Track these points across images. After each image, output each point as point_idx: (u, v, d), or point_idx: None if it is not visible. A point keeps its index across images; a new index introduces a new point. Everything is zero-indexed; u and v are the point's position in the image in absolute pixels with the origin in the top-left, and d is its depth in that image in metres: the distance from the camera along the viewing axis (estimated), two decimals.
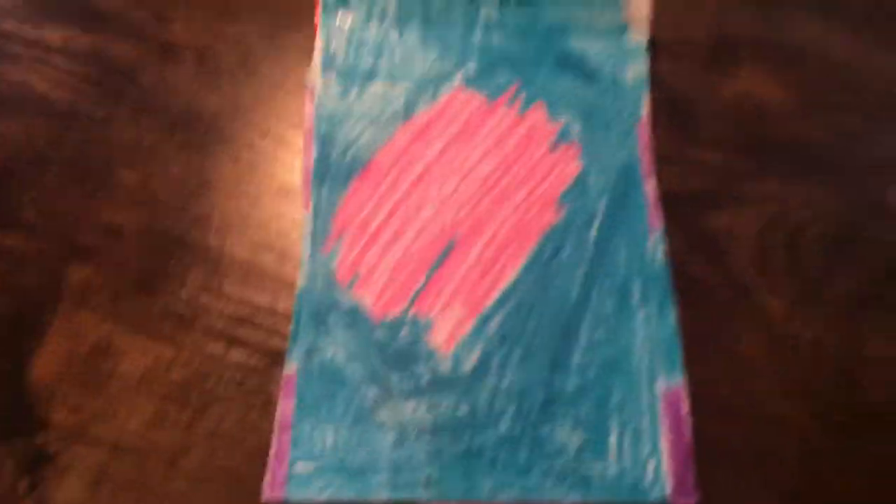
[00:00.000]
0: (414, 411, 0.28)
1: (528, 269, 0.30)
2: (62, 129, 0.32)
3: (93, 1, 0.34)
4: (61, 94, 0.33)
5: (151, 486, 0.27)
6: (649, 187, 0.31)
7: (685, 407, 0.28)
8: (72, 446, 0.28)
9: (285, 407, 0.28)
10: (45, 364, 0.29)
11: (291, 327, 0.29)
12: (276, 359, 0.29)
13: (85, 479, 0.27)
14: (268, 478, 0.27)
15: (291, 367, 0.29)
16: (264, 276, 0.30)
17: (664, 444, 0.27)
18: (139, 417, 0.28)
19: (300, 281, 0.30)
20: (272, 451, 0.27)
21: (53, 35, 0.34)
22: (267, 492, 0.27)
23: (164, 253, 0.31)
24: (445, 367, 0.29)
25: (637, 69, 0.33)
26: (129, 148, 0.32)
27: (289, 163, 0.32)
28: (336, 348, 0.29)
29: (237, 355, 0.29)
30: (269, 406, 0.28)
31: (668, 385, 0.28)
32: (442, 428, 0.27)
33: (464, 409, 0.28)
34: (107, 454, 0.28)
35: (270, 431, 0.28)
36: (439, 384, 0.28)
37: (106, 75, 0.33)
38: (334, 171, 0.32)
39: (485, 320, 0.29)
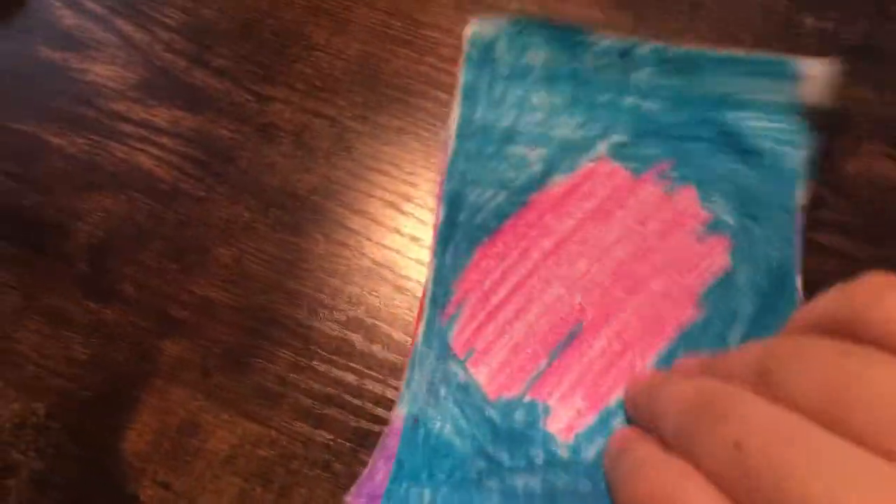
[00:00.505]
0: (525, 485, 0.25)
1: (657, 368, 0.27)
2: (163, 207, 0.33)
3: (199, 83, 0.36)
4: (165, 172, 0.34)
5: None
6: (799, 284, 0.28)
7: None
8: None
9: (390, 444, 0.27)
10: (136, 440, 0.29)
11: (403, 385, 0.28)
12: (362, 441, 0.29)
13: None
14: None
15: (397, 422, 0.27)
16: (353, 355, 0.30)
17: None
18: (225, 497, 0.28)
19: (418, 340, 0.28)
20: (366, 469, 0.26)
21: (161, 115, 0.35)
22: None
23: (255, 330, 0.31)
24: (564, 452, 0.26)
25: (802, 153, 0.29)
26: (225, 226, 0.33)
27: (380, 241, 0.32)
28: (445, 422, 0.27)
29: (324, 436, 0.29)
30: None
31: None
32: (557, 495, 0.25)
33: (584, 486, 0.25)
34: None
35: None
36: (556, 465, 0.26)
37: (207, 155, 0.34)
38: (460, 236, 0.30)
39: (608, 415, 0.27)
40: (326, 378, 0.30)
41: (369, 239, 0.32)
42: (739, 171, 0.30)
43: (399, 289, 0.31)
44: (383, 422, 0.29)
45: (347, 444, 0.29)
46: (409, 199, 0.33)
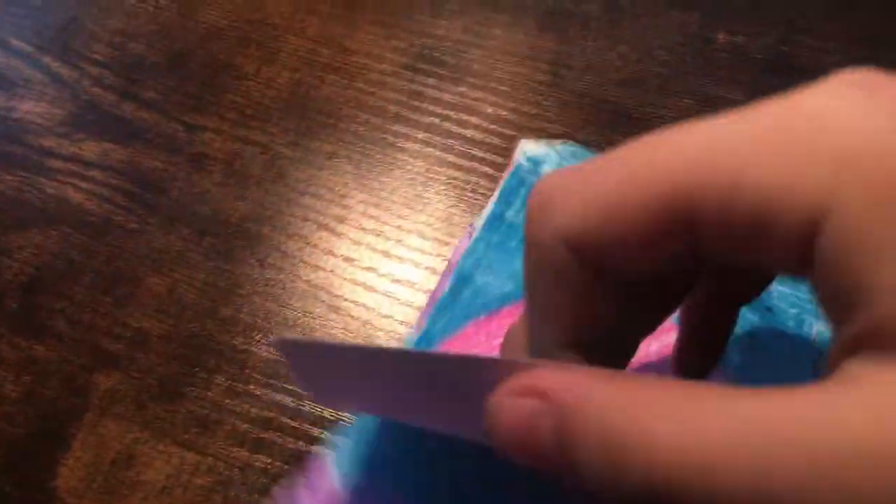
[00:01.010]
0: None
1: None
2: (95, 240, 0.33)
3: (128, 116, 0.36)
4: (95, 206, 0.34)
5: None
6: None
7: None
8: None
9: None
10: (69, 476, 0.28)
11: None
12: (301, 464, 0.28)
13: None
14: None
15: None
16: (289, 377, 0.30)
17: None
18: None
19: None
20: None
21: (90, 149, 0.35)
22: None
23: (189, 358, 0.31)
24: None
25: None
26: (157, 257, 0.33)
27: (315, 263, 0.32)
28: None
29: (262, 460, 0.29)
30: None
31: None
32: None
33: None
34: None
35: None
36: None
37: (138, 187, 0.34)
38: (458, 309, 0.30)
39: None
40: (263, 402, 0.30)
41: (303, 262, 0.33)
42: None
43: (334, 309, 0.31)
44: (323, 442, 0.29)
45: (286, 467, 0.29)
46: (342, 220, 0.33)
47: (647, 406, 0.14)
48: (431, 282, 0.32)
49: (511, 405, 0.16)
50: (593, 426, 0.14)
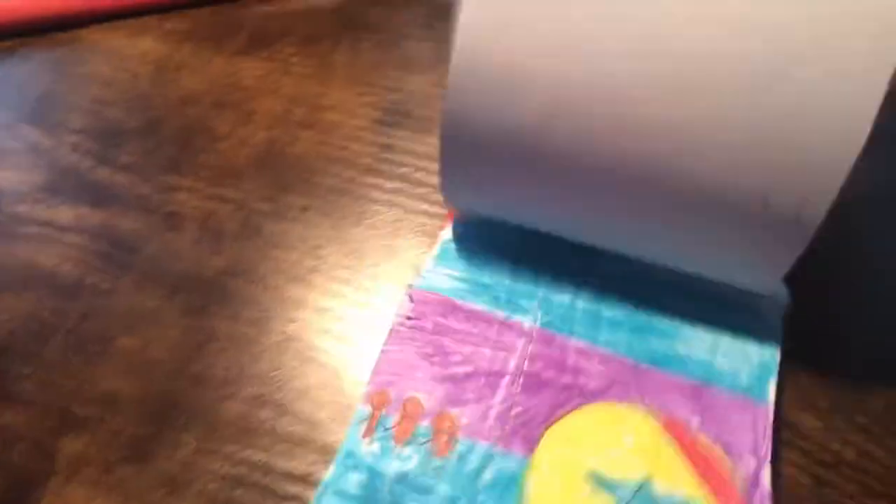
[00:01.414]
0: None
1: None
2: (67, 303, 0.33)
3: (104, 181, 0.36)
4: (69, 269, 0.34)
5: None
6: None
7: None
8: None
9: None
10: None
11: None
12: None
13: None
14: None
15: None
16: (260, 432, 0.29)
17: None
18: None
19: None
20: None
21: (65, 214, 0.35)
22: None
23: (159, 418, 0.30)
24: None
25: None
26: (129, 316, 0.32)
27: (288, 315, 0.32)
28: None
29: None
30: None
31: None
32: None
33: None
34: None
35: None
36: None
37: (112, 248, 0.34)
38: None
39: None
40: (234, 459, 0.29)
41: (276, 314, 0.32)
42: None
43: (307, 360, 0.31)
44: (294, 498, 0.28)
45: None
46: (315, 271, 0.33)
47: None
48: None
49: None
50: None
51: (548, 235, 0.31)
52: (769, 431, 0.27)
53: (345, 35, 0.41)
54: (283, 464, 0.28)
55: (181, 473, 0.28)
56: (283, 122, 0.38)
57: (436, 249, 0.31)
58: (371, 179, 0.36)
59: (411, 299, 0.29)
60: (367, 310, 0.32)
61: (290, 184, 0.36)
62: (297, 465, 0.28)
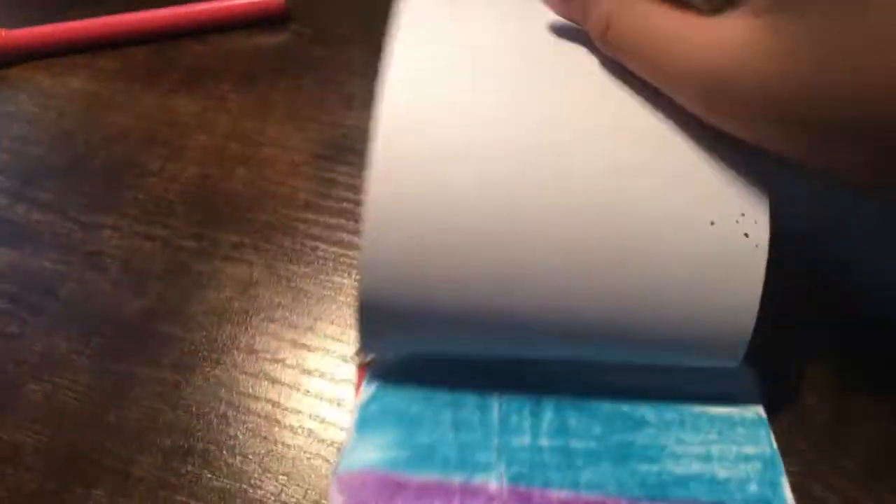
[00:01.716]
0: None
1: None
2: None
3: (20, 219, 0.34)
4: None
5: None
6: None
7: None
8: None
9: None
10: None
11: None
12: None
13: None
14: None
15: None
16: (179, 486, 0.26)
17: None
18: None
19: None
20: None
21: None
22: None
23: (65, 472, 0.27)
24: None
25: None
26: (38, 361, 0.30)
27: (215, 358, 0.29)
28: None
29: None
30: None
31: None
32: None
33: None
34: None
35: None
36: None
37: (22, 289, 0.32)
38: None
39: None
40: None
41: (202, 357, 0.29)
42: None
43: (231, 405, 0.28)
44: None
45: None
46: (246, 311, 0.31)
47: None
48: (344, 370, 0.29)
49: None
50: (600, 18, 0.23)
51: (482, 364, 0.27)
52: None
53: (285, 73, 0.40)
54: None
55: None
56: (217, 158, 0.36)
57: (354, 417, 0.26)
58: (310, 215, 0.34)
59: (341, 489, 0.24)
60: (302, 350, 0.30)
61: (222, 220, 0.34)
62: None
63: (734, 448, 0.26)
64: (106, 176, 0.36)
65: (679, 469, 0.25)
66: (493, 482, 0.24)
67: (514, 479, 0.24)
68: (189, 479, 0.26)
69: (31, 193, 0.35)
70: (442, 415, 0.26)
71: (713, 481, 0.25)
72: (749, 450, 0.26)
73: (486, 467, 0.24)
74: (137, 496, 0.26)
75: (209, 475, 0.27)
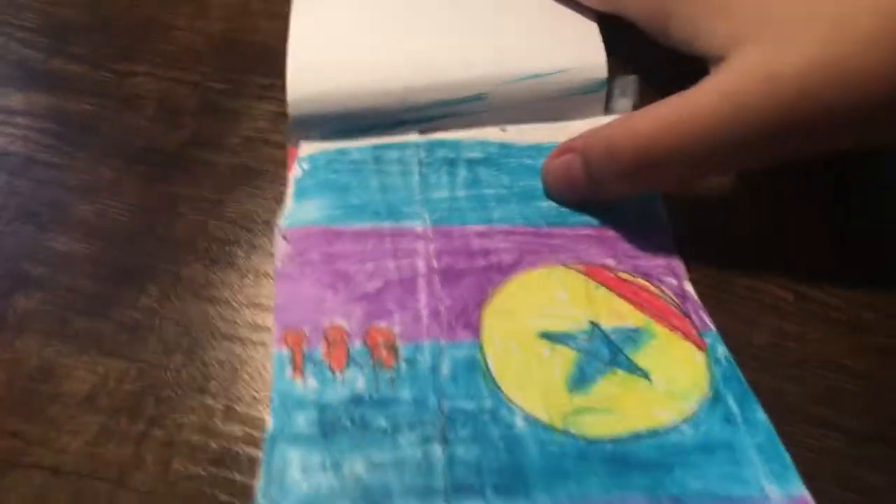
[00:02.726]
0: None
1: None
2: (17, 177, 0.31)
3: (57, 70, 0.35)
4: (19, 147, 0.32)
5: None
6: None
7: None
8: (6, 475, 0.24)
9: None
10: None
11: None
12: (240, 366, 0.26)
13: None
14: None
15: None
16: (224, 284, 0.28)
17: None
18: (84, 435, 0.24)
19: None
20: None
21: (16, 100, 0.34)
22: None
23: (119, 277, 0.28)
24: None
25: None
26: (86, 186, 0.31)
27: (251, 182, 0.31)
28: None
29: (199, 358, 0.26)
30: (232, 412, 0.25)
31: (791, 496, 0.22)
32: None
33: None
34: (46, 478, 0.23)
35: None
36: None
37: (65, 127, 0.33)
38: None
39: None
40: (197, 307, 0.27)
41: (240, 180, 0.31)
42: None
43: (271, 214, 0.30)
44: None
45: (219, 368, 0.26)
46: (279, 143, 0.32)
47: (633, 115, 0.27)
48: None
49: (555, 162, 0.30)
50: (600, 140, 0.27)
51: (399, 143, 0.31)
52: (675, 248, 0.28)
53: None
54: (246, 295, 0.27)
55: (142, 321, 0.27)
56: (242, 14, 0.37)
57: (290, 189, 0.30)
58: None
59: (287, 239, 0.28)
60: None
61: (250, 66, 0.35)
62: (265, 300, 0.27)
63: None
64: (135, 32, 0.37)
65: None
66: (419, 225, 0.28)
67: (437, 221, 0.29)
68: (236, 271, 0.28)
69: (65, 49, 0.36)
70: (369, 181, 0.30)
71: (603, 211, 0.29)
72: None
73: (411, 216, 0.29)
74: (185, 290, 0.28)
75: (253, 264, 0.28)
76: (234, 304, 0.28)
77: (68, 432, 0.24)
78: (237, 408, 0.25)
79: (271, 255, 0.29)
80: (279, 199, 0.30)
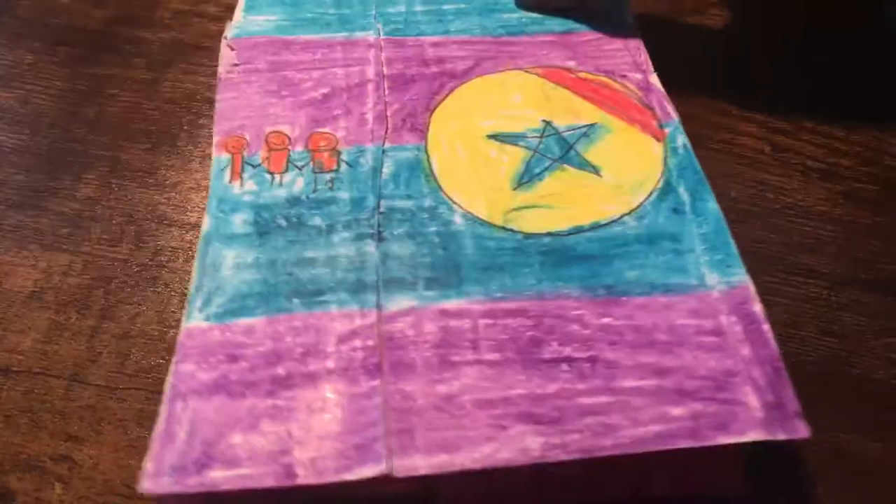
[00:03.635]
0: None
1: None
2: None
3: None
4: None
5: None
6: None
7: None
8: None
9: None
10: None
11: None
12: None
13: None
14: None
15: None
16: (170, 168, 0.26)
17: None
18: (31, 335, 0.23)
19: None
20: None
21: None
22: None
23: (52, 165, 0.26)
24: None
25: None
26: (6, 72, 0.28)
27: (190, 60, 0.29)
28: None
29: (145, 251, 0.25)
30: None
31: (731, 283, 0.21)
32: None
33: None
34: None
35: None
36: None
37: None
38: None
39: None
40: (138, 196, 0.26)
41: (178, 55, 0.29)
42: None
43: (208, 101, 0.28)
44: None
45: (165, 255, 0.25)
46: (208, 14, 0.30)
47: None
48: None
49: None
50: None
51: None
52: (642, 46, 0.27)
53: None
54: (198, 184, 0.26)
55: (83, 211, 0.25)
56: None
57: (241, 3, 0.28)
58: None
59: (232, 48, 0.26)
60: None
61: None
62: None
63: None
64: None
65: (538, 14, 0.29)
66: (372, 36, 0.27)
67: (391, 33, 0.28)
68: (176, 162, 0.26)
69: None
70: None
71: (567, 19, 0.28)
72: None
73: (364, 27, 0.28)
74: (124, 173, 0.26)
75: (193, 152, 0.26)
76: (180, 188, 0.26)
77: (16, 331, 0.23)
78: None
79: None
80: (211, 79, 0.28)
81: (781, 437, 0.17)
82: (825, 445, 0.21)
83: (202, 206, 0.26)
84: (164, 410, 0.18)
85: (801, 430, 0.17)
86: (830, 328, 0.23)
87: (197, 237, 0.25)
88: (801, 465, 0.21)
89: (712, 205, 0.22)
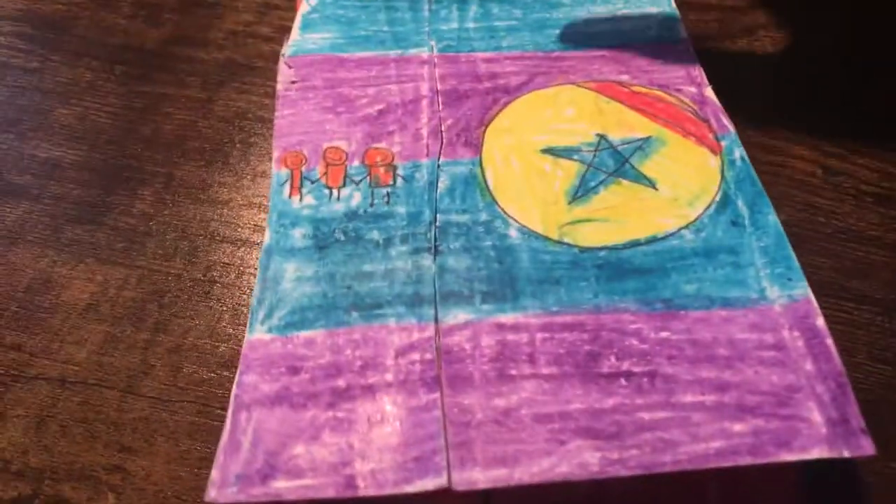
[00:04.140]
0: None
1: None
2: None
3: None
4: None
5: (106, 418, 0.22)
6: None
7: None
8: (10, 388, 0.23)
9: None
10: None
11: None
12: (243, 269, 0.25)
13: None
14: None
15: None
16: (222, 185, 0.27)
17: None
18: (87, 346, 0.23)
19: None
20: None
21: None
22: None
23: (109, 180, 0.27)
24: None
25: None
26: (64, 90, 0.29)
27: (240, 81, 0.29)
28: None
29: (197, 267, 0.25)
30: (239, 314, 0.24)
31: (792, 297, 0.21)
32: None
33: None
34: (53, 389, 0.23)
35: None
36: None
37: (38, 30, 0.31)
38: None
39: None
40: (192, 212, 0.26)
41: (231, 77, 0.29)
42: None
43: (262, 120, 0.28)
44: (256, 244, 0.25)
45: (221, 272, 0.25)
46: (265, 35, 0.30)
47: None
48: None
49: None
50: None
51: None
52: (696, 59, 0.27)
53: None
54: (249, 201, 0.26)
55: (138, 227, 0.26)
56: None
57: (297, 22, 0.29)
58: None
59: (289, 66, 0.27)
60: None
61: None
62: (265, 199, 0.26)
63: (637, 10, 0.29)
64: None
65: (590, 27, 0.29)
66: (425, 53, 0.28)
67: (444, 49, 0.28)
68: (228, 179, 0.27)
69: None
70: (377, 15, 0.29)
71: (620, 32, 0.29)
72: (652, 10, 0.29)
73: (418, 44, 0.28)
74: (179, 190, 0.26)
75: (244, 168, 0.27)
76: (233, 204, 0.26)
77: (72, 343, 0.23)
78: (244, 310, 0.24)
79: (268, 154, 0.27)
80: (272, 95, 0.28)
81: (846, 454, 0.17)
82: (879, 474, 0.21)
83: (253, 222, 0.26)
84: (228, 421, 0.18)
85: (867, 448, 0.17)
86: (884, 355, 0.23)
87: (248, 253, 0.25)
88: (853, 492, 0.20)
89: (772, 217, 0.22)
